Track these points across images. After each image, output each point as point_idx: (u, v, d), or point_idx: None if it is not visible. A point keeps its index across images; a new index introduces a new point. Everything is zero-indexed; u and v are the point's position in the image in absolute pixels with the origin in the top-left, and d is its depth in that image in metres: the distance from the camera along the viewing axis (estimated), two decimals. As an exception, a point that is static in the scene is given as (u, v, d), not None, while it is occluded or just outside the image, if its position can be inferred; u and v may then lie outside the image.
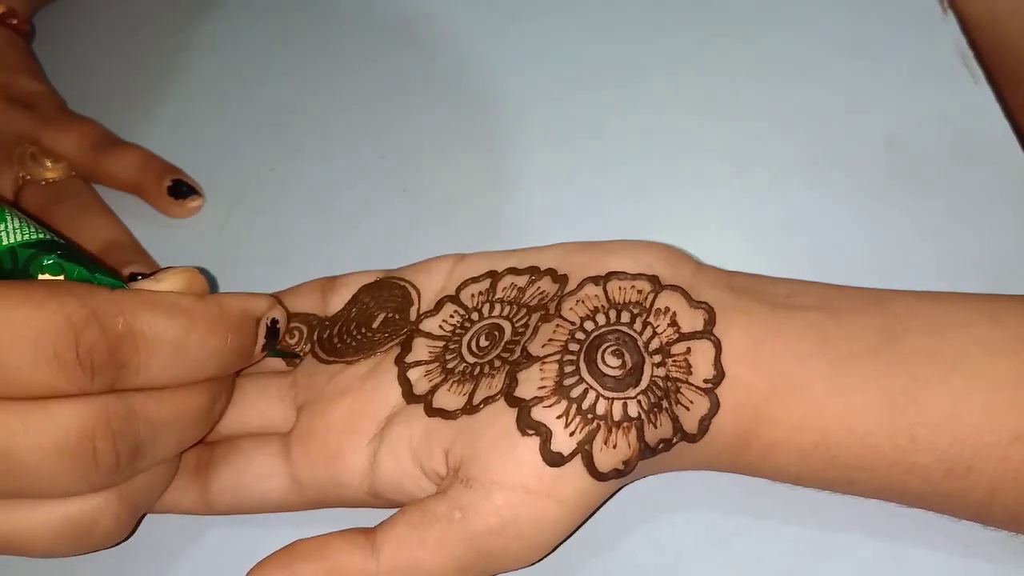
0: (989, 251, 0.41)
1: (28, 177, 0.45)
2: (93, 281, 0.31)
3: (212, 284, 0.43)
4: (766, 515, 0.34)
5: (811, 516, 0.34)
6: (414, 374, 0.34)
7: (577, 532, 0.32)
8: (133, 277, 0.41)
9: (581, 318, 0.33)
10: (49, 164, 0.46)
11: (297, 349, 0.37)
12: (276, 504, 0.34)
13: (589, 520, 0.32)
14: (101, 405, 0.29)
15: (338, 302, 0.38)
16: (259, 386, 0.37)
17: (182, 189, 0.46)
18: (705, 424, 0.32)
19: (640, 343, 0.32)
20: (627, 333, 0.32)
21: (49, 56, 0.53)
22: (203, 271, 0.34)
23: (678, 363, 0.32)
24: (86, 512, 0.30)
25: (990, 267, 0.40)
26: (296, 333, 0.38)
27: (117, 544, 0.33)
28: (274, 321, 0.34)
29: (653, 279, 0.34)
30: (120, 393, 0.29)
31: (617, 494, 0.33)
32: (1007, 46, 0.55)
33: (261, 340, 0.34)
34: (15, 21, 0.52)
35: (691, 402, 0.32)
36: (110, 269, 0.32)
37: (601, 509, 0.33)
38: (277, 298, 0.35)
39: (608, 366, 0.31)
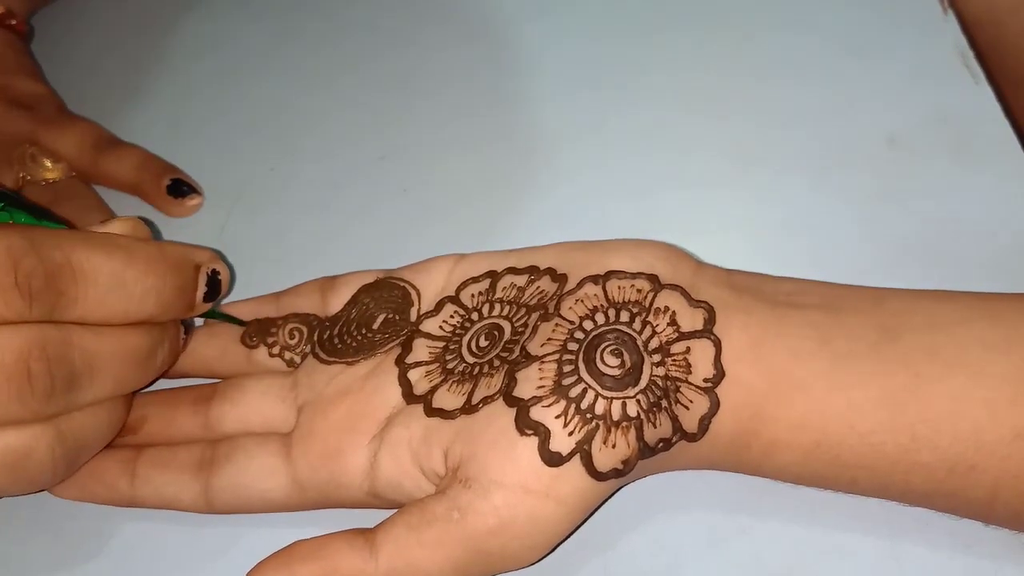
0: (989, 251, 0.41)
1: (28, 177, 0.45)
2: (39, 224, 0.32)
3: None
4: (767, 515, 0.34)
5: (812, 516, 0.34)
6: (414, 374, 0.34)
7: (577, 532, 0.32)
8: None
9: (580, 317, 0.33)
10: (49, 165, 0.46)
11: (297, 351, 0.37)
12: (276, 504, 0.34)
13: (589, 520, 0.32)
14: (38, 330, 0.30)
15: (338, 302, 0.38)
16: (261, 387, 0.37)
17: (181, 188, 0.46)
18: (705, 423, 0.32)
19: (639, 342, 0.32)
20: (626, 332, 0.32)
21: (48, 56, 0.53)
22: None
23: (678, 362, 0.32)
24: (21, 440, 0.31)
25: (990, 267, 0.40)
26: (296, 334, 0.38)
27: (53, 485, 0.34)
28: (215, 272, 0.35)
29: (653, 278, 0.33)
30: (58, 324, 0.30)
31: (617, 494, 0.33)
32: (1007, 45, 0.55)
33: (202, 288, 0.35)
34: (14, 22, 0.52)
35: (691, 401, 0.31)
36: (60, 219, 0.33)
37: (601, 509, 0.33)
38: (220, 255, 0.36)
39: (607, 365, 0.31)
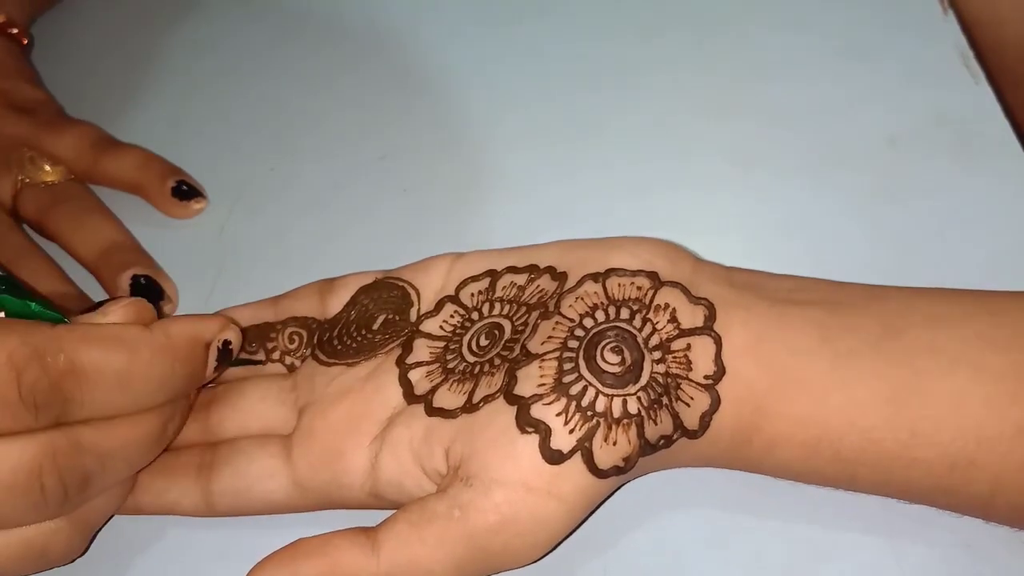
0: (989, 251, 0.41)
1: (27, 180, 0.45)
2: (30, 314, 0.31)
3: (212, 284, 0.43)
4: (767, 514, 0.34)
5: (812, 514, 0.34)
6: (415, 375, 0.34)
7: (577, 530, 0.32)
8: (136, 280, 0.41)
9: (580, 315, 0.33)
10: (48, 168, 0.46)
11: (298, 355, 0.37)
12: (277, 505, 0.34)
13: (589, 519, 0.32)
14: (47, 442, 0.29)
15: (337, 304, 0.38)
16: (260, 390, 0.37)
17: (186, 190, 0.46)
18: (706, 420, 0.32)
19: (640, 339, 0.32)
20: (626, 330, 0.32)
21: (47, 56, 0.53)
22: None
23: (678, 359, 0.32)
24: (38, 539, 0.31)
25: (990, 267, 0.40)
26: (296, 338, 0.37)
27: (73, 560, 0.33)
28: (226, 343, 0.34)
29: (652, 275, 0.33)
30: (66, 428, 0.30)
31: (617, 493, 0.33)
32: (1008, 45, 0.55)
33: (212, 363, 0.34)
34: (15, 31, 0.52)
35: (691, 398, 0.31)
36: (46, 301, 0.32)
37: (602, 507, 0.33)
38: (229, 317, 0.35)
39: (607, 363, 0.31)
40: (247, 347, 0.38)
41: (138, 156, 0.47)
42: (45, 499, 0.29)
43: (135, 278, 0.42)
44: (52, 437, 0.29)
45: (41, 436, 0.29)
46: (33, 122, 0.47)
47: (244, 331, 0.38)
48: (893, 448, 0.31)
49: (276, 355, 0.37)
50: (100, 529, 0.34)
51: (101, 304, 0.33)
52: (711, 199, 0.45)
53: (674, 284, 0.33)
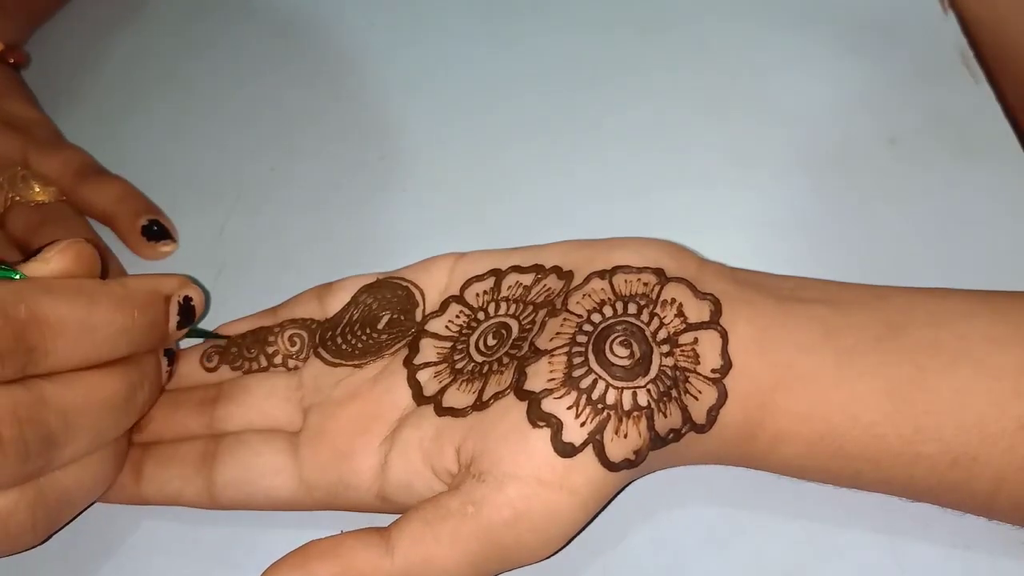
0: (989, 251, 0.41)
1: (17, 198, 0.45)
2: None
3: (212, 284, 0.43)
4: (767, 513, 0.34)
5: (812, 515, 0.34)
6: (423, 375, 0.34)
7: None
8: None
9: (588, 311, 0.33)
10: (38, 188, 0.45)
11: (301, 357, 0.37)
12: (282, 502, 0.34)
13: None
14: (7, 394, 0.29)
15: (336, 305, 0.38)
16: (266, 386, 0.36)
17: (155, 231, 0.45)
18: (713, 414, 0.32)
19: (648, 333, 0.32)
20: (634, 324, 0.32)
21: (49, 56, 0.53)
22: (196, 281, 0.35)
23: (686, 353, 0.32)
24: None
25: (990, 267, 0.40)
26: (297, 340, 0.37)
27: (34, 546, 0.32)
28: (187, 299, 0.35)
29: (659, 272, 0.34)
30: (29, 381, 0.29)
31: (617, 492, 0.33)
32: (1008, 45, 0.55)
33: (174, 317, 0.34)
34: (12, 60, 0.52)
35: (699, 392, 0.32)
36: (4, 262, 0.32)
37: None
38: (191, 279, 0.35)
39: (617, 356, 0.31)
40: (246, 353, 0.38)
41: (118, 189, 0.46)
42: (4, 453, 0.28)
43: None
44: (12, 391, 0.29)
45: (1, 390, 0.29)
46: (26, 140, 0.47)
47: (241, 336, 0.38)
48: (896, 444, 0.31)
49: (278, 359, 0.37)
50: (66, 523, 0.34)
51: (39, 251, 0.32)
52: (711, 199, 0.45)
53: (680, 280, 0.33)
